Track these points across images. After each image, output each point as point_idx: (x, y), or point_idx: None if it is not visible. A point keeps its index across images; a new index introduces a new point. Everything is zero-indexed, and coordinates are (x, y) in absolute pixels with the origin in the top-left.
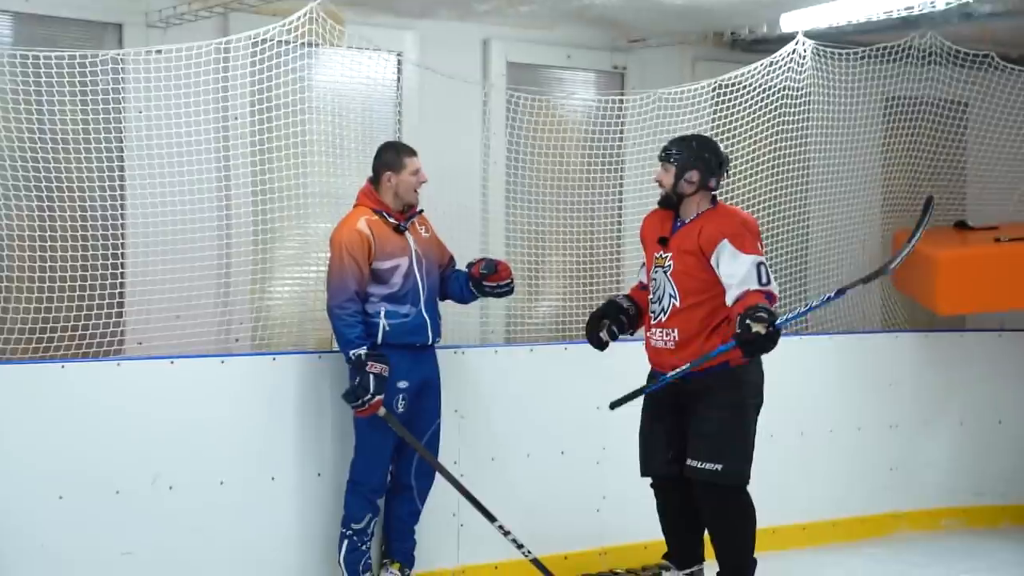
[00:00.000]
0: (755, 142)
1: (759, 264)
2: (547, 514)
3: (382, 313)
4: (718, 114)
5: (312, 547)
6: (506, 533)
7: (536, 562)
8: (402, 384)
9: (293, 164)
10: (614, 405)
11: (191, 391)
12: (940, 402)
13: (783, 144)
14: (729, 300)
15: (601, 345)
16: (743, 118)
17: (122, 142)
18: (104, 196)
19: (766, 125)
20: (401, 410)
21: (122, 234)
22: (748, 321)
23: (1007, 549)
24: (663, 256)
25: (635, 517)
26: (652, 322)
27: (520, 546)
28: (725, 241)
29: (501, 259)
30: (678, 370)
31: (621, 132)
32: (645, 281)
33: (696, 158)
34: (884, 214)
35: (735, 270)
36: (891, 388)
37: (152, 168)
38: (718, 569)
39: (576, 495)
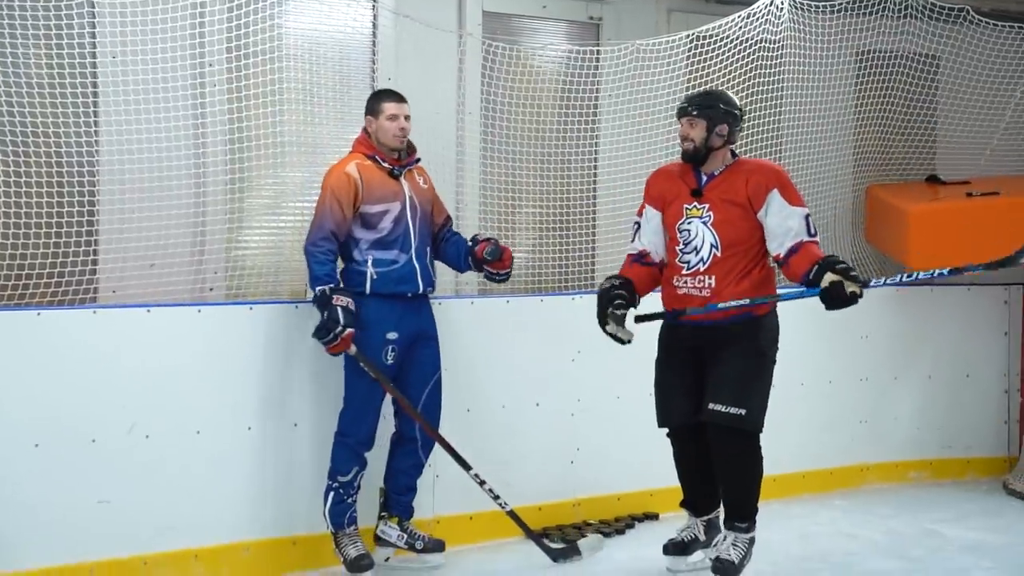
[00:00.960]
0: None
1: (807, 216)
2: (521, 465)
3: (370, 261)
4: (693, 66)
5: (288, 498)
6: (482, 483)
7: (512, 514)
8: (391, 335)
9: (268, 112)
10: (640, 319)
11: (167, 340)
12: (910, 356)
13: (757, 98)
14: (781, 249)
15: (622, 338)
16: (718, 71)
17: (96, 88)
18: (79, 143)
19: (741, 78)
20: (390, 362)
21: (96, 181)
22: (840, 278)
23: (972, 500)
24: (699, 207)
25: (608, 469)
26: (685, 272)
27: (496, 497)
28: (775, 192)
29: (506, 246)
30: (732, 303)
31: (597, 83)
32: (645, 248)
33: (726, 112)
34: (856, 168)
35: (787, 222)
36: (862, 342)
37: (127, 115)
38: (724, 514)
39: (550, 447)
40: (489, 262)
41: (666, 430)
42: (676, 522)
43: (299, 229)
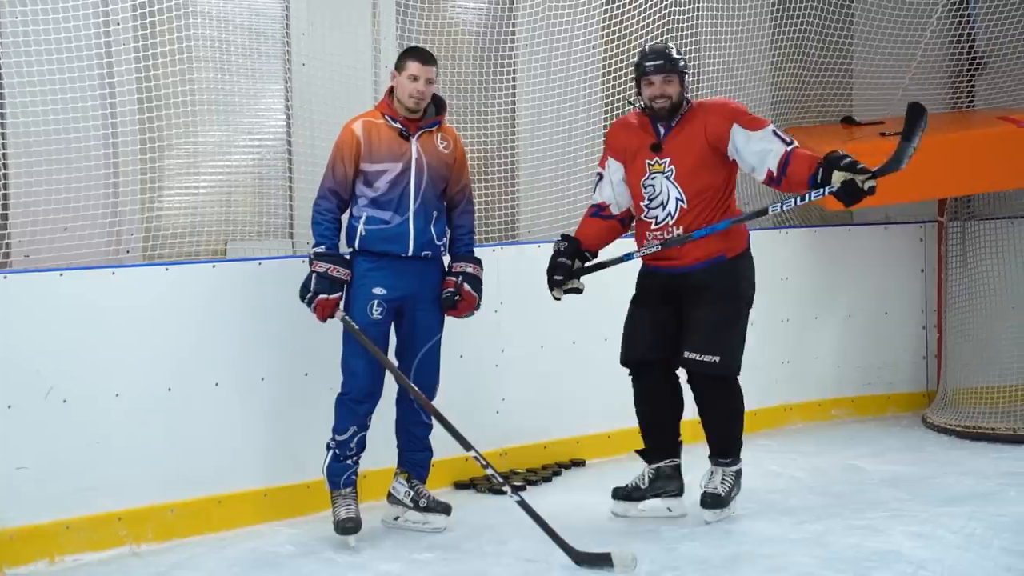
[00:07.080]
0: (646, 43)
1: (774, 130)
2: (447, 416)
3: (363, 218)
4: (608, 15)
5: (211, 457)
6: (486, 466)
7: (523, 504)
8: (378, 291)
9: (179, 71)
10: (585, 271)
11: (82, 303)
12: (829, 296)
13: (675, 43)
14: (771, 168)
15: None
16: (635, 15)
17: None
18: None
19: (657, 23)
20: (376, 316)
21: (3, 144)
22: (851, 175)
23: (892, 435)
24: (661, 162)
25: (534, 417)
26: (654, 227)
27: (502, 483)
28: (736, 126)
29: (469, 291)
30: (706, 229)
31: (513, 34)
32: (605, 201)
33: (685, 64)
34: (774, 111)
35: (759, 145)
36: (782, 283)
37: (32, 76)
38: (709, 451)
39: (476, 397)
40: (445, 306)
41: (628, 372)
42: (603, 468)
43: (216, 189)
